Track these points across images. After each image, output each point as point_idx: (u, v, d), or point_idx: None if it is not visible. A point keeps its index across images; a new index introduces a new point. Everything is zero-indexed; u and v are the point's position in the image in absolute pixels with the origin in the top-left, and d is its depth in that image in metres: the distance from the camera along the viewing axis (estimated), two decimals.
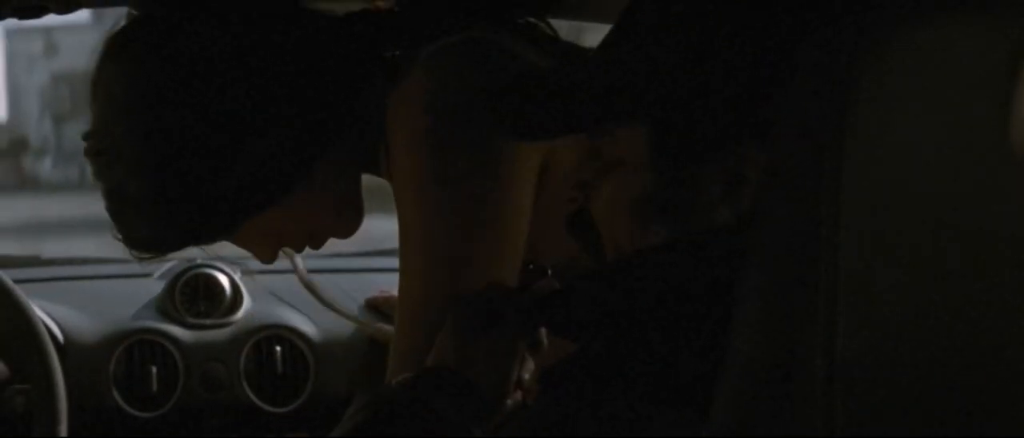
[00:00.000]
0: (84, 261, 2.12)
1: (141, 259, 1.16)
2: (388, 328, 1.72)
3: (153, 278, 1.88)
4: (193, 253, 1.22)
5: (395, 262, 1.92)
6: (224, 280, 1.80)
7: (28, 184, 26.13)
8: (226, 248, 1.33)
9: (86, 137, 1.12)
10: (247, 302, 1.81)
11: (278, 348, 1.74)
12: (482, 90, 0.90)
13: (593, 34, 1.21)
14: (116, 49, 1.11)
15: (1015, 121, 0.50)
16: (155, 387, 1.70)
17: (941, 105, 0.53)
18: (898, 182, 0.54)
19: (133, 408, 1.70)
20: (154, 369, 1.71)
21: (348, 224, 1.21)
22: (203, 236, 1.14)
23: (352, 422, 0.94)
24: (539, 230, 1.10)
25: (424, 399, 0.94)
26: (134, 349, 1.73)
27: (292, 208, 1.13)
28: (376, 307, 1.82)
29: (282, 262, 1.90)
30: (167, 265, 1.88)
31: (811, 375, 0.57)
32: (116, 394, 1.70)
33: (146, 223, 1.11)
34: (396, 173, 1.09)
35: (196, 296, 1.80)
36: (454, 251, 1.04)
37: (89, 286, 1.92)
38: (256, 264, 1.71)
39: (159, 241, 1.14)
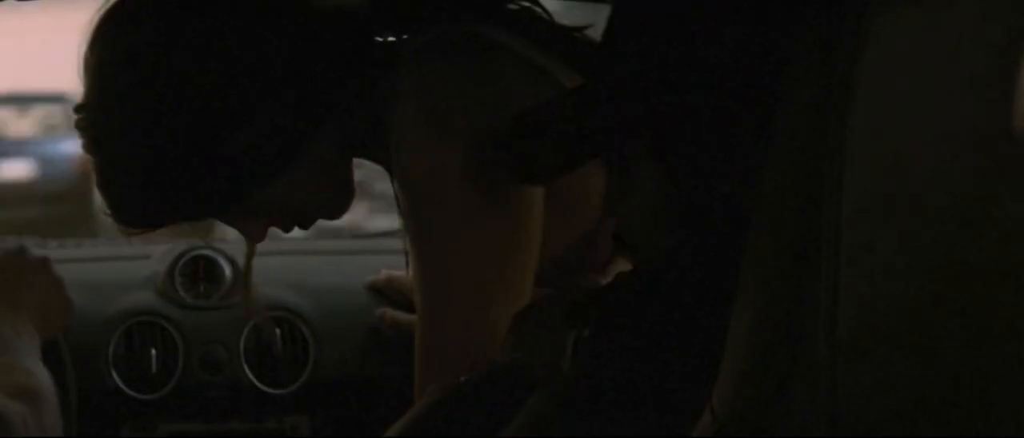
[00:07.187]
0: (83, 243, 2.11)
1: (128, 235, 1.16)
2: (392, 312, 1.71)
3: (153, 260, 1.87)
4: (193, 235, 1.22)
5: (393, 244, 1.92)
6: (224, 262, 1.80)
7: None
8: (229, 231, 1.33)
9: (78, 109, 1.12)
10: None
11: (278, 330, 1.74)
12: (489, 138, 0.91)
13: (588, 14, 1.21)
14: (109, 22, 1.11)
15: (1014, 107, 0.50)
16: (155, 369, 1.70)
17: (940, 91, 0.54)
18: (898, 167, 0.54)
19: (132, 390, 1.70)
20: (154, 351, 1.70)
21: (338, 206, 1.21)
22: (191, 213, 1.14)
23: (411, 416, 0.93)
24: (557, 239, 1.11)
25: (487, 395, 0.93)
26: (133, 331, 1.72)
27: (282, 188, 1.13)
28: (378, 289, 1.81)
29: (283, 244, 1.90)
30: (166, 247, 1.88)
31: (814, 354, 0.57)
32: (115, 376, 1.69)
33: (134, 198, 1.12)
34: (400, 177, 1.10)
35: (196, 278, 1.80)
36: (472, 260, 1.05)
37: (88, 268, 1.91)
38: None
39: (147, 216, 1.14)
